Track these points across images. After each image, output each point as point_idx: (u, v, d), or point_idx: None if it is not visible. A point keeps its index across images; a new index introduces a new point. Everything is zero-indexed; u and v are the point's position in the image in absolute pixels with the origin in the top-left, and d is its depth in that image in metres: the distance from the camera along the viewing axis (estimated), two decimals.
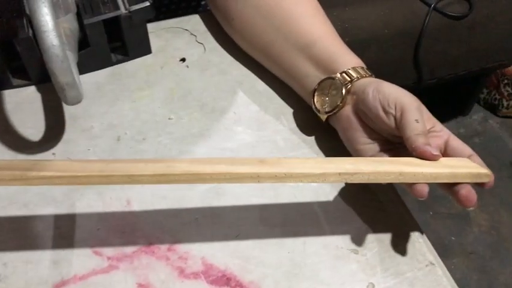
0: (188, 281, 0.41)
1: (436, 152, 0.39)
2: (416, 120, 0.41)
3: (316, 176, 0.37)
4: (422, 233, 0.44)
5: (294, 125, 0.52)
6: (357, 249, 0.42)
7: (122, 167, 0.36)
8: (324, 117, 0.48)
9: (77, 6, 0.52)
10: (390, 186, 0.46)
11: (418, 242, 0.43)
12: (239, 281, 0.41)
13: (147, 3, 0.53)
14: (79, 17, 0.52)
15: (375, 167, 0.38)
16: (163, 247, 0.43)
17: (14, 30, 0.50)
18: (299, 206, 0.45)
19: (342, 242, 0.43)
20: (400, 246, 0.43)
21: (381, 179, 0.38)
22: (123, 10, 0.52)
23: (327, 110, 0.48)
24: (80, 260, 0.42)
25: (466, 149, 0.41)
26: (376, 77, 0.47)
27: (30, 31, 0.50)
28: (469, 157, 0.40)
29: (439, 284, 0.41)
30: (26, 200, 0.45)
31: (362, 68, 0.48)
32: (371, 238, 0.43)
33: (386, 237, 0.43)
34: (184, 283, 0.40)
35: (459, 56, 0.96)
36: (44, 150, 0.49)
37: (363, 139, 0.45)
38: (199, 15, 0.63)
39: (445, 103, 1.40)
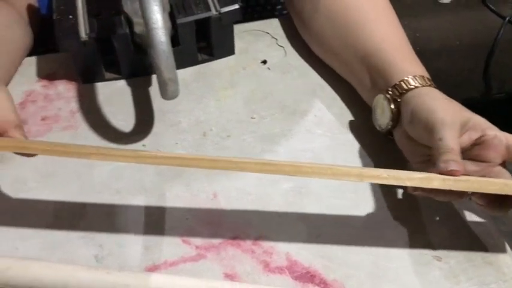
0: (273, 275, 0.42)
1: (453, 167, 0.37)
2: (440, 139, 0.39)
3: (420, 179, 0.38)
4: (508, 244, 0.43)
5: (372, 130, 0.52)
6: (440, 257, 0.43)
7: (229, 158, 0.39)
8: (382, 131, 0.48)
9: (170, 6, 0.55)
10: None
11: (503, 253, 0.43)
12: (323, 279, 0.42)
13: (237, 6, 0.55)
14: (171, 16, 0.55)
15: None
16: (249, 240, 0.44)
17: (112, 28, 0.53)
18: (382, 210, 0.46)
19: (425, 248, 0.43)
20: (484, 256, 0.43)
21: (484, 189, 0.38)
22: (213, 11, 0.55)
23: (381, 127, 0.48)
24: (169, 247, 0.44)
25: None
26: (444, 87, 0.46)
27: (127, 28, 0.53)
28: None
29: None
30: (119, 187, 0.48)
31: (422, 76, 0.46)
32: (455, 246, 0.43)
33: (470, 247, 0.43)
34: (269, 277, 0.42)
35: None
36: (135, 141, 0.52)
37: (417, 157, 0.44)
38: (279, 20, 0.65)
39: None
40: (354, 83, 0.54)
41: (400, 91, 0.45)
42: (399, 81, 0.46)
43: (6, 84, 0.56)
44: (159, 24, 0.41)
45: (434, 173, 0.38)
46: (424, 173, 0.38)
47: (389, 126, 0.46)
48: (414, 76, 0.45)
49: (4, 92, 0.46)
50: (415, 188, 0.39)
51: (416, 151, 0.44)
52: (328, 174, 0.38)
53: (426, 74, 0.47)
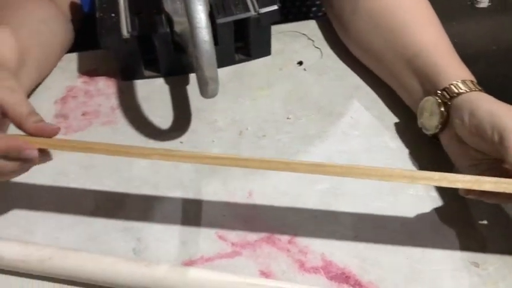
0: (308, 275, 0.42)
1: None
2: (509, 146, 0.38)
3: (473, 182, 0.38)
4: None
5: (411, 133, 0.52)
6: (478, 263, 0.42)
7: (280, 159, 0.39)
8: (429, 134, 0.48)
9: (210, 6, 0.55)
10: None
11: None
12: (358, 280, 0.42)
13: (276, 7, 0.55)
14: (210, 16, 0.55)
15: None
16: (284, 239, 0.44)
17: (153, 26, 0.54)
18: (418, 213, 0.46)
19: (462, 253, 0.43)
20: None
21: None
22: (252, 12, 0.55)
23: (429, 130, 0.48)
24: (205, 243, 0.44)
25: None
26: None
27: (168, 27, 0.54)
28: None
29: None
30: (157, 182, 0.49)
31: (471, 81, 0.46)
32: (493, 253, 0.43)
33: (508, 254, 0.43)
34: (304, 276, 0.42)
35: None
36: (172, 138, 0.52)
37: (467, 160, 0.44)
38: (316, 21, 0.65)
39: None
40: (394, 85, 0.54)
41: (451, 95, 0.45)
42: (449, 85, 0.45)
43: (44, 77, 0.57)
44: (203, 24, 0.42)
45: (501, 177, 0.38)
46: (475, 176, 0.38)
47: (437, 129, 0.46)
48: (463, 80, 0.45)
49: (8, 87, 0.43)
50: (468, 191, 0.39)
51: (467, 155, 0.44)
52: (379, 175, 0.38)
53: (473, 79, 0.47)
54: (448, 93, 0.45)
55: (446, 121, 0.46)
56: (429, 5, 0.54)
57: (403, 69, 0.52)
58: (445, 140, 0.47)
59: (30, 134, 0.41)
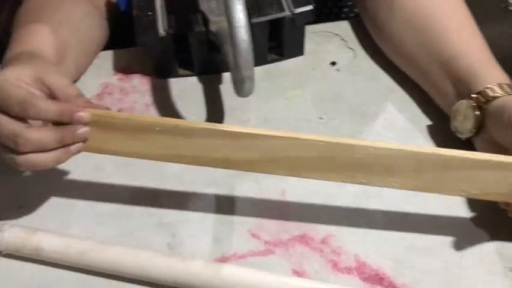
0: (341, 275, 0.42)
1: None
2: None
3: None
4: None
5: (444, 136, 0.51)
6: None
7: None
8: (463, 137, 0.48)
9: None
10: None
11: None
12: (392, 282, 0.41)
13: (311, 7, 0.55)
14: None
15: None
16: (317, 239, 0.45)
17: (189, 25, 0.55)
18: (454, 217, 0.45)
19: (497, 258, 0.42)
20: None
21: None
22: (287, 12, 0.55)
23: (463, 134, 0.47)
24: (238, 240, 0.45)
25: None
26: None
27: (203, 26, 0.55)
28: None
29: None
30: (191, 180, 0.49)
31: (508, 85, 0.45)
32: None
33: None
34: (337, 276, 0.42)
35: None
36: None
37: None
38: (349, 22, 0.65)
39: None
40: (428, 87, 0.54)
41: (486, 98, 0.44)
42: (484, 88, 0.45)
43: (82, 73, 0.58)
44: (242, 23, 0.42)
45: None
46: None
47: (471, 133, 0.46)
48: (499, 83, 0.45)
49: (56, 71, 0.44)
50: (508, 204, 0.38)
51: None
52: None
53: (510, 82, 0.46)
54: (483, 97, 0.45)
55: (481, 125, 0.45)
56: (466, 7, 0.54)
57: (438, 71, 0.51)
58: (479, 144, 0.47)
59: None
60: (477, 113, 0.45)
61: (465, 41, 0.51)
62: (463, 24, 0.53)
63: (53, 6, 0.56)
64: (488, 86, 0.45)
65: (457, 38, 0.51)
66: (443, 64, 0.51)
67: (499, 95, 0.44)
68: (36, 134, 0.39)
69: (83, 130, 0.40)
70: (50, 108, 0.39)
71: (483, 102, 0.45)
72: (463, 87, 0.48)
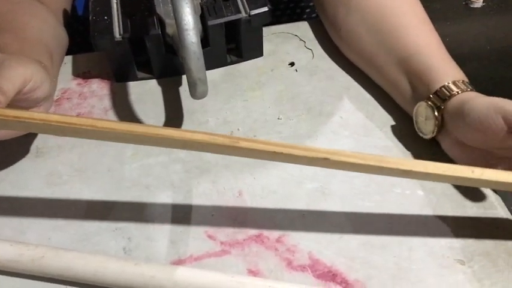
0: (295, 273, 0.43)
1: None
2: None
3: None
4: None
5: (399, 134, 0.52)
6: (463, 260, 0.43)
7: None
8: (426, 137, 0.49)
9: (201, 8, 0.56)
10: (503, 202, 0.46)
11: None
12: (345, 278, 0.42)
13: (266, 9, 0.56)
14: (202, 18, 0.56)
15: None
16: (272, 238, 0.45)
17: (145, 28, 0.55)
18: (405, 213, 0.46)
19: (448, 251, 0.43)
20: (509, 261, 0.42)
21: None
22: (243, 14, 0.56)
23: (426, 135, 0.49)
24: (195, 242, 0.45)
25: None
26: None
27: (159, 29, 0.55)
28: None
29: None
30: (148, 183, 0.49)
31: (463, 81, 0.47)
32: (478, 251, 0.43)
33: (494, 251, 0.43)
34: (291, 274, 0.43)
35: None
36: None
37: (471, 162, 0.44)
38: (308, 22, 0.65)
39: None
40: (387, 86, 0.55)
41: (443, 98, 0.45)
42: (440, 88, 0.46)
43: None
44: (191, 26, 0.42)
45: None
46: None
47: (434, 134, 0.47)
48: (454, 81, 0.46)
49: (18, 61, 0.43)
50: None
51: (472, 156, 0.45)
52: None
53: (465, 78, 0.47)
54: (440, 97, 0.46)
55: (442, 124, 0.47)
56: (421, 8, 0.55)
57: (396, 70, 0.52)
58: (446, 144, 0.48)
59: None
60: (436, 114, 0.46)
61: (421, 40, 0.52)
62: (420, 23, 0.54)
63: (28, 14, 0.55)
64: (444, 84, 0.46)
65: (414, 37, 0.52)
66: (400, 63, 0.52)
67: (454, 93, 0.45)
68: None
69: None
70: None
71: (441, 102, 0.46)
72: (420, 86, 0.49)
